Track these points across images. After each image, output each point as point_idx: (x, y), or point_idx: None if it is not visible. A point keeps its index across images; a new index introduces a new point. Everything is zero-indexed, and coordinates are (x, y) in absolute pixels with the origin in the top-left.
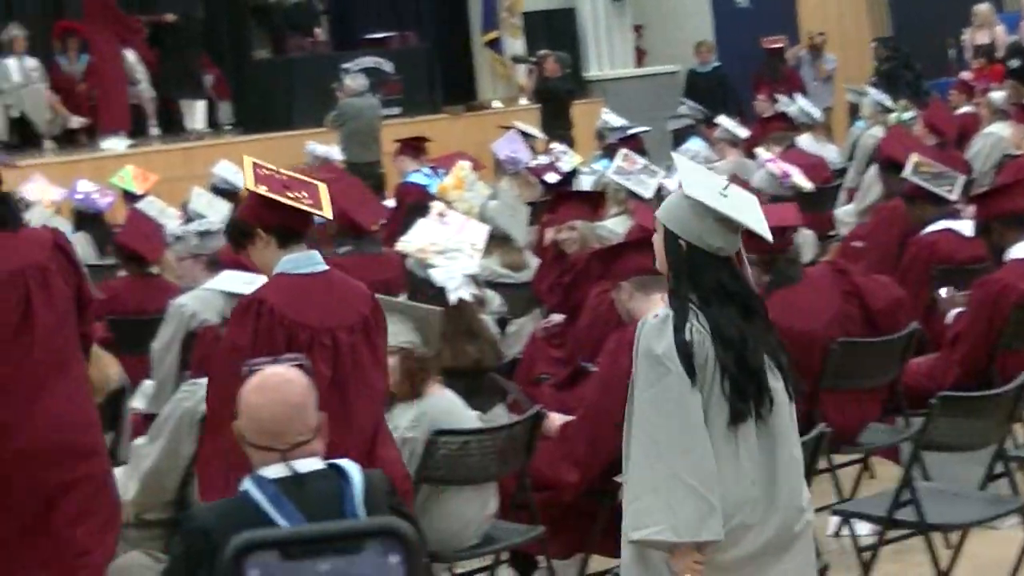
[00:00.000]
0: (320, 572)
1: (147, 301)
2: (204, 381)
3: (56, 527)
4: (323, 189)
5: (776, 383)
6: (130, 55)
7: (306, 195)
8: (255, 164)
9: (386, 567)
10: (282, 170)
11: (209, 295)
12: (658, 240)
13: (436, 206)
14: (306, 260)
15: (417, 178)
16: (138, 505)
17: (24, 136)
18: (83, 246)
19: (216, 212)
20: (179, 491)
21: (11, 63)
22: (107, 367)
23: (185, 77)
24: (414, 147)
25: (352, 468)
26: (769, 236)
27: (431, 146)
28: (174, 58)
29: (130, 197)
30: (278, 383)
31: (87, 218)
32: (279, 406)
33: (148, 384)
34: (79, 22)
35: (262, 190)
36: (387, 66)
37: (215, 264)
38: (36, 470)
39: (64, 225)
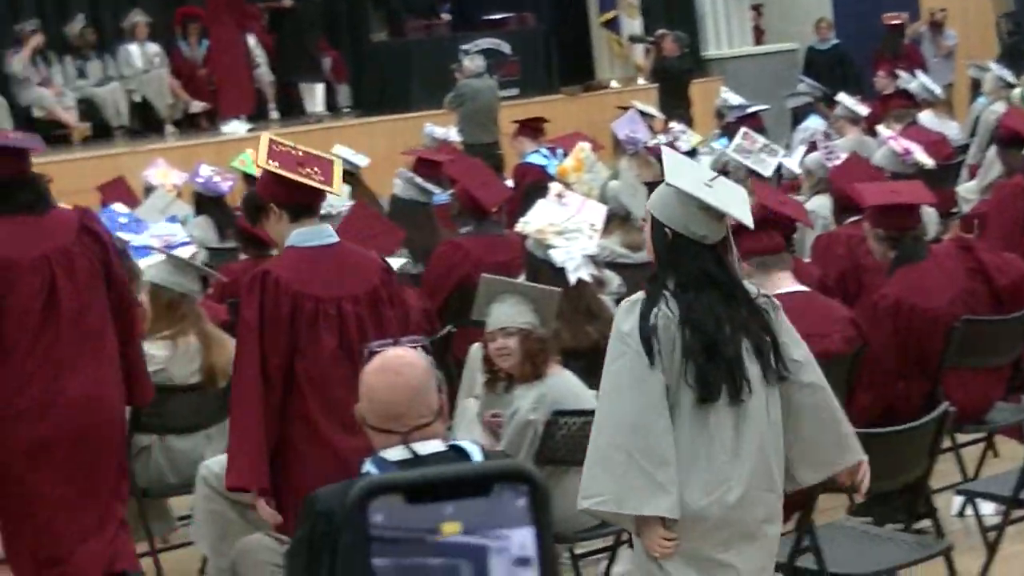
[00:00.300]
0: (445, 515)
1: None
2: None
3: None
4: (337, 165)
5: (754, 368)
6: (250, 39)
7: (318, 171)
8: (271, 141)
9: (513, 509)
10: (299, 147)
11: None
12: (647, 228)
13: (555, 187)
14: (316, 233)
15: (535, 159)
16: None
17: (146, 121)
18: (204, 229)
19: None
20: None
21: (133, 49)
22: (231, 350)
23: (304, 61)
24: (532, 128)
25: (473, 449)
26: (751, 224)
27: (549, 127)
28: (293, 42)
29: (251, 180)
30: (399, 365)
31: (208, 201)
32: (400, 389)
33: None
34: (199, 8)
35: (273, 166)
36: (505, 47)
37: None
38: (63, 451)
39: (185, 209)
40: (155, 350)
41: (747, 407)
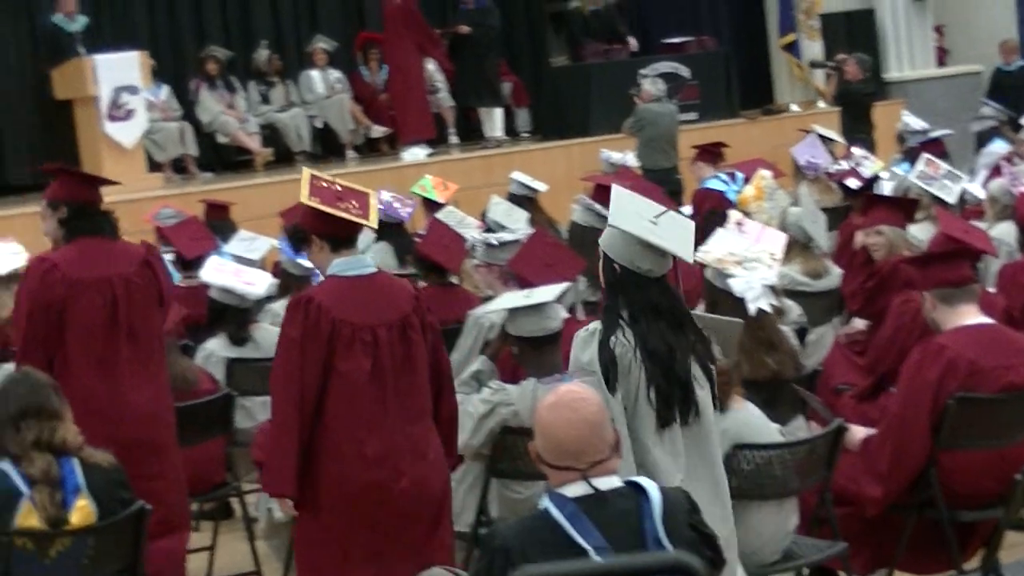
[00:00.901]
0: None
1: (446, 311)
2: (504, 386)
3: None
4: (372, 198)
5: (702, 391)
6: (430, 64)
7: (356, 204)
8: (312, 176)
9: None
10: (339, 182)
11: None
12: (600, 264)
13: (734, 215)
14: (355, 263)
15: (714, 184)
16: None
17: (328, 146)
18: (384, 255)
19: (514, 221)
20: (480, 501)
21: (315, 75)
22: None
23: (483, 85)
24: (711, 152)
25: (650, 486)
26: (690, 260)
27: (728, 151)
28: (472, 67)
29: (431, 206)
30: (572, 400)
31: (388, 227)
32: (577, 425)
33: None
34: (380, 34)
35: (314, 202)
36: (684, 71)
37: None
38: (129, 448)
39: (366, 235)
40: None
41: (699, 428)
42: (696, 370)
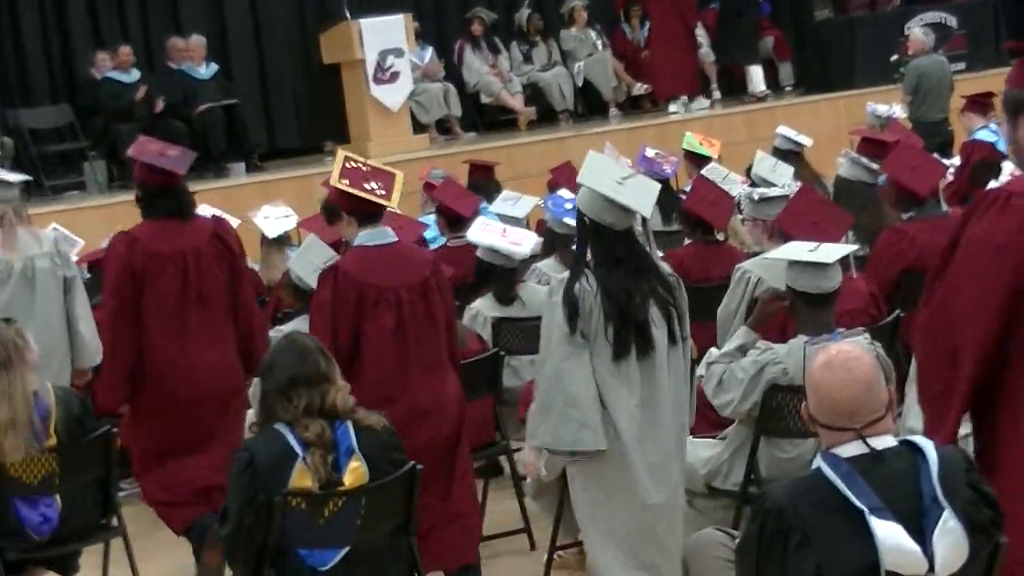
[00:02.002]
0: None
1: (713, 268)
2: (770, 346)
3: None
4: (398, 179)
5: (658, 331)
6: (692, 21)
7: (381, 184)
8: (346, 158)
9: None
10: (369, 163)
11: (773, 262)
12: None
13: (1008, 166)
14: (379, 235)
15: (984, 135)
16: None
17: (590, 104)
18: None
19: (780, 176)
20: (749, 460)
21: (576, 33)
22: None
23: (745, 40)
24: (981, 103)
25: (927, 445)
26: (646, 211)
27: (998, 101)
28: (734, 22)
29: (695, 160)
30: (847, 361)
31: None
32: (852, 385)
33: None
34: None
35: (343, 184)
36: (951, 20)
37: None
38: (199, 402)
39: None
40: None
41: (653, 362)
42: (654, 313)
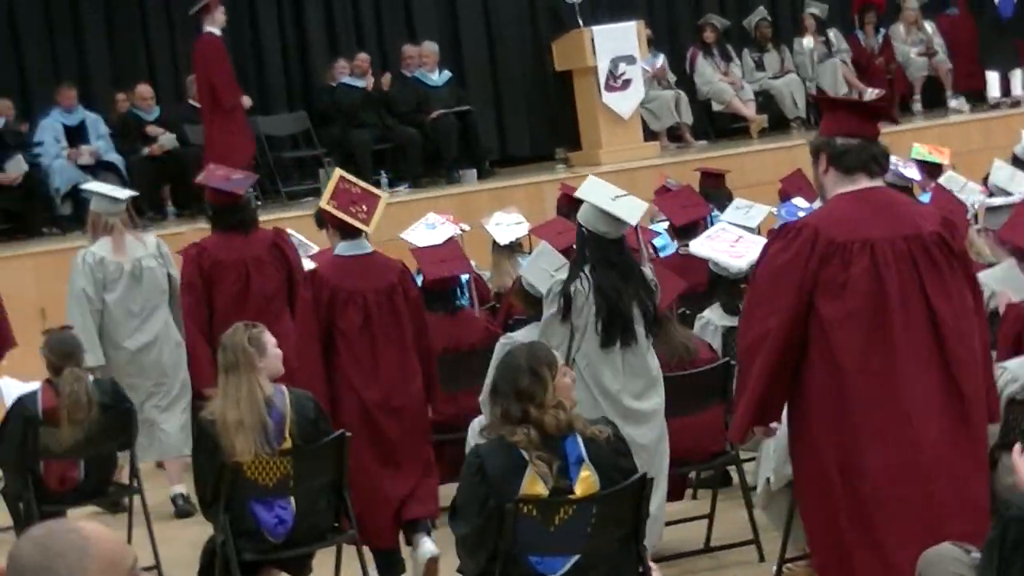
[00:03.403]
0: None
1: None
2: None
3: None
4: (382, 203)
5: (639, 327)
6: (928, 26)
7: (364, 209)
8: (340, 178)
9: None
10: (360, 185)
11: (1006, 271)
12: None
13: None
14: (355, 246)
15: None
16: None
17: (820, 111)
18: None
19: (1018, 185)
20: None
21: (808, 40)
22: None
23: (999, 45)
24: None
25: None
26: (634, 221)
27: None
28: (989, 27)
29: (928, 171)
30: None
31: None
32: None
33: None
34: None
35: (331, 206)
36: None
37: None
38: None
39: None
40: None
41: (635, 351)
42: (636, 311)
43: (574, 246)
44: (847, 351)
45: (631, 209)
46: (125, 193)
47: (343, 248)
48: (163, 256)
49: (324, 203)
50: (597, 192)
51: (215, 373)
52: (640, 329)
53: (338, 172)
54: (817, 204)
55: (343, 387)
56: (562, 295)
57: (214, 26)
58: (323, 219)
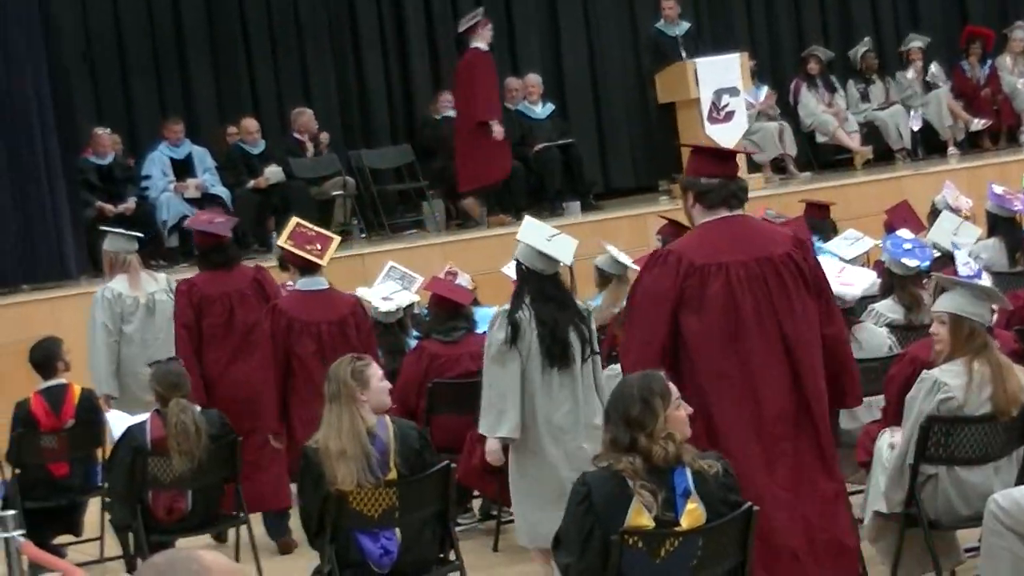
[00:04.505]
0: None
1: None
2: None
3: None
4: (334, 243)
5: (574, 350)
6: None
7: (319, 247)
8: (297, 223)
9: None
10: (314, 229)
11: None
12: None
13: None
14: (312, 282)
15: None
16: None
17: (928, 143)
18: (994, 252)
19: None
20: None
21: (911, 74)
22: (1020, 379)
23: None
24: None
25: None
26: (567, 260)
27: None
28: None
29: None
30: None
31: (1001, 221)
32: None
33: None
34: (987, 28)
35: (289, 244)
36: None
37: None
38: (232, 414)
39: (976, 231)
40: (949, 378)
41: (570, 372)
42: (573, 337)
43: None
44: (706, 359)
45: (564, 248)
46: (137, 234)
47: (302, 284)
48: (172, 292)
49: (282, 242)
50: (533, 233)
51: (202, 388)
52: (576, 353)
53: (294, 219)
54: (922, 236)
55: (299, 405)
56: (509, 323)
57: (481, 42)
58: (283, 261)
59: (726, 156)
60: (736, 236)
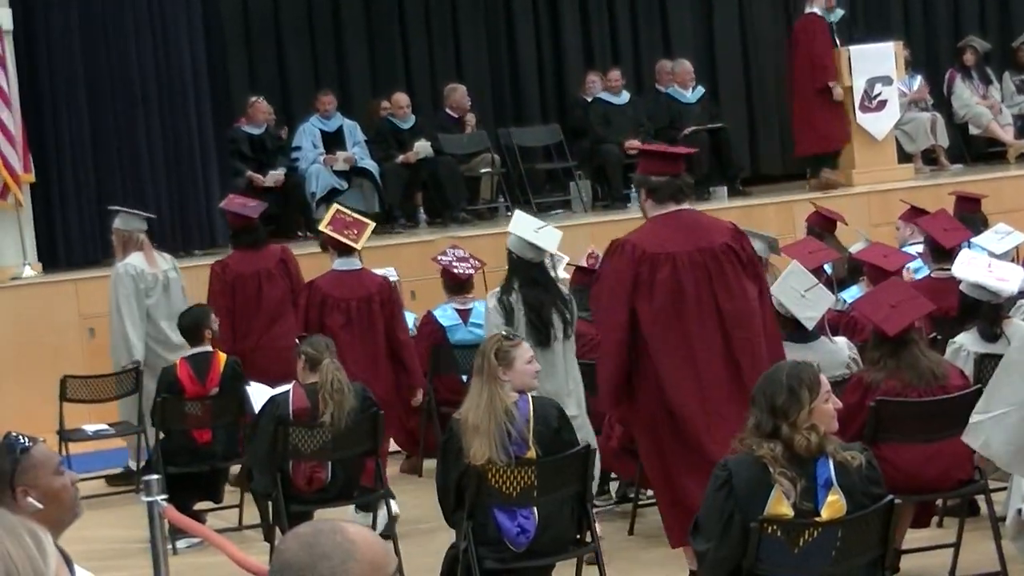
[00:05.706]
0: None
1: None
2: None
3: None
4: (368, 229)
5: (556, 330)
6: None
7: (355, 232)
8: (337, 210)
9: None
10: (353, 215)
11: None
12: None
13: None
14: (347, 263)
15: None
16: None
17: None
18: None
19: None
20: None
21: None
22: None
23: None
24: None
25: None
26: (552, 249)
27: None
28: None
29: None
30: None
31: None
32: None
33: None
34: None
35: (328, 230)
36: None
37: None
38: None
39: None
40: None
41: (554, 350)
42: (555, 318)
43: (824, 267)
44: (655, 338)
45: (549, 239)
46: (148, 215)
47: (338, 264)
48: (178, 270)
49: (322, 227)
50: (522, 225)
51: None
52: (558, 332)
53: (335, 206)
54: None
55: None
56: (502, 308)
57: (817, 7)
58: (323, 244)
59: (672, 156)
60: (682, 228)
